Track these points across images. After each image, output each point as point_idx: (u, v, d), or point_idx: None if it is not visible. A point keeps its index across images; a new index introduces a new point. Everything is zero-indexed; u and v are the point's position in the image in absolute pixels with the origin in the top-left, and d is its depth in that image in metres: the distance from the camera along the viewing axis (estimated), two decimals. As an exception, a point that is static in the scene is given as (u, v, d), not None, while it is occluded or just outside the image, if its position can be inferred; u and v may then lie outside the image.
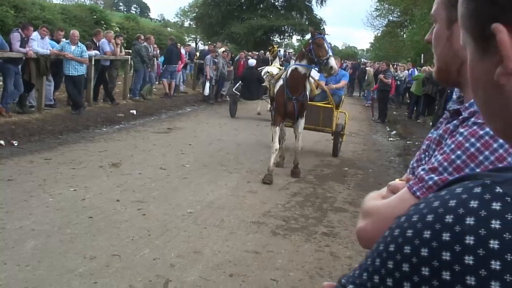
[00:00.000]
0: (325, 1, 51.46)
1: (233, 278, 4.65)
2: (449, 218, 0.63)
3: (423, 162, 1.36)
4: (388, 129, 16.44)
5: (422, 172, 1.24)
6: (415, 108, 18.09)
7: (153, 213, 6.14)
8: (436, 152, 1.27)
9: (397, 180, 1.33)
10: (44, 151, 8.90)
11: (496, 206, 0.61)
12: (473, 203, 0.63)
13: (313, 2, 51.49)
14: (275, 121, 8.39)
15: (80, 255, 4.79)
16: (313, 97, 10.18)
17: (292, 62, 10.17)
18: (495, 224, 0.60)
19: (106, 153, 9.01)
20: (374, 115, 18.57)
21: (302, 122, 8.54)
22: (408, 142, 13.09)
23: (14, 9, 18.89)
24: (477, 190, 0.65)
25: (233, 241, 5.53)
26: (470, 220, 0.61)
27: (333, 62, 7.70)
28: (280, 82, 8.38)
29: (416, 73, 20.47)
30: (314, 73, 9.67)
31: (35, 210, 5.89)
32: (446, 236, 0.62)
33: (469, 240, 0.60)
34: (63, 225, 5.51)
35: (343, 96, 11.57)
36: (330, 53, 7.77)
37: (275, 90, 8.52)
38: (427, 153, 1.36)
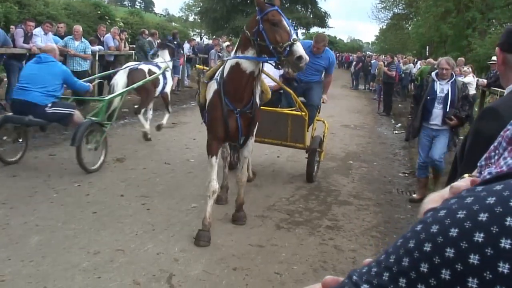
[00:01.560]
0: (329, -6, 51.18)
1: (236, 271, 4.65)
2: (483, 217, 0.54)
3: (492, 161, 1.21)
4: (393, 121, 16.37)
5: (488, 177, 1.13)
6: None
7: (157, 208, 6.14)
8: (506, 153, 1.13)
9: (463, 178, 1.07)
10: (49, 146, 8.91)
11: None
12: None
13: (318, -4, 51.32)
14: (210, 148, 5.36)
15: (84, 250, 4.80)
16: (279, 102, 7.79)
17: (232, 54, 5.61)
18: None
19: (111, 148, 8.98)
20: (380, 108, 18.49)
21: (250, 144, 5.68)
22: (413, 135, 13.01)
23: (18, 5, 18.91)
24: None
25: (237, 235, 5.53)
26: (510, 221, 0.52)
27: (300, 49, 4.66)
28: (214, 85, 5.35)
29: (421, 65, 20.36)
30: (271, 70, 6.45)
31: (40, 205, 5.91)
32: (506, 244, 0.52)
33: (505, 243, 0.51)
34: (67, 221, 5.52)
35: (322, 98, 8.03)
36: (294, 36, 4.80)
37: (208, 97, 5.47)
38: (497, 151, 1.21)
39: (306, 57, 4.68)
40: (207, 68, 6.37)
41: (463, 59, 18.08)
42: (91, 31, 17.57)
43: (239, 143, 5.66)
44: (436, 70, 7.32)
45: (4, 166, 7.27)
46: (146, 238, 5.19)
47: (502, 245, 0.52)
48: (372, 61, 26.87)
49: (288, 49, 4.65)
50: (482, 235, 0.53)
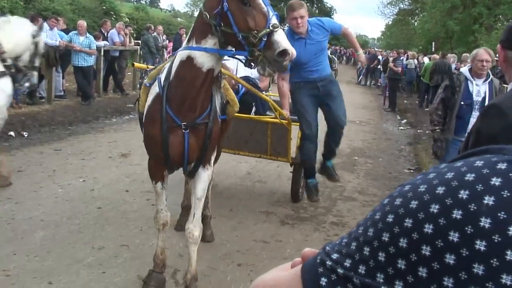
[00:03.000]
0: (335, -10, 51.19)
1: (241, 267, 4.65)
2: (463, 194, 0.56)
3: None
4: (399, 117, 16.34)
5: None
6: (425, 97, 17.95)
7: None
8: None
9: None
10: (54, 142, 8.93)
11: None
12: (495, 181, 0.55)
13: (323, -10, 51.30)
14: (151, 172, 4.14)
15: (88, 246, 4.81)
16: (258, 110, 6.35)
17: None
18: None
19: (116, 143, 9.02)
20: (385, 104, 18.44)
21: (205, 177, 4.02)
22: (418, 131, 13.00)
23: (24, 1, 18.95)
24: (502, 166, 0.57)
25: (241, 230, 5.52)
26: (489, 200, 0.54)
27: (282, 39, 3.22)
28: (156, 89, 3.84)
29: (427, 61, 20.28)
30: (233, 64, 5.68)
31: (45, 201, 5.92)
32: (457, 215, 0.55)
33: (485, 222, 0.53)
34: (72, 216, 5.53)
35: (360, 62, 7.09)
36: (274, 20, 3.27)
37: (146, 105, 3.93)
38: None
39: (292, 51, 3.21)
40: (152, 67, 5.00)
41: (468, 54, 18.00)
42: (96, 27, 17.56)
43: (186, 170, 4.08)
44: (468, 65, 6.07)
45: (9, 162, 7.28)
46: (151, 233, 5.18)
47: (454, 215, 0.54)
48: (378, 57, 26.80)
49: (265, 39, 3.20)
50: (437, 206, 0.56)
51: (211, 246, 5.03)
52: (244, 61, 3.46)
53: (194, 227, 4.00)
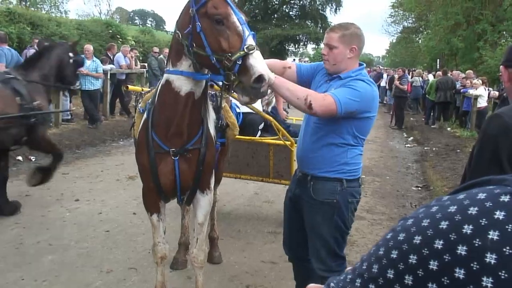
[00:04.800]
0: (339, 9, 51.56)
1: (250, 289, 4.62)
2: (467, 229, 0.54)
3: None
4: (405, 135, 16.32)
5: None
6: (431, 114, 17.94)
7: (169, 225, 6.07)
8: None
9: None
10: (61, 165, 8.93)
11: None
12: (499, 214, 0.54)
13: (327, 11, 51.67)
14: (146, 203, 3.84)
15: (97, 269, 4.80)
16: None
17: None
18: None
19: (123, 166, 9.05)
20: (392, 121, 18.43)
21: (206, 202, 3.79)
22: (425, 148, 12.96)
23: (31, 26, 19.14)
24: (505, 198, 0.56)
25: (249, 251, 5.50)
26: (493, 235, 0.53)
27: (259, 63, 2.82)
28: (145, 114, 3.66)
29: (431, 78, 20.31)
30: None
31: (52, 225, 5.93)
32: (462, 250, 0.53)
33: (490, 258, 0.52)
34: (80, 239, 5.53)
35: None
36: (250, 40, 2.89)
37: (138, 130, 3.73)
38: None
39: (269, 75, 2.85)
40: (147, 89, 4.63)
41: (471, 71, 18.04)
42: (103, 50, 17.72)
43: (180, 200, 3.82)
44: None
45: (17, 186, 7.30)
46: (159, 256, 5.17)
47: (459, 251, 0.53)
48: (383, 75, 26.87)
49: (239, 62, 2.84)
50: (441, 242, 0.55)
51: (219, 268, 5.01)
52: (220, 85, 3.18)
53: (198, 251, 3.86)
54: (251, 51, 2.83)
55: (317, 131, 3.31)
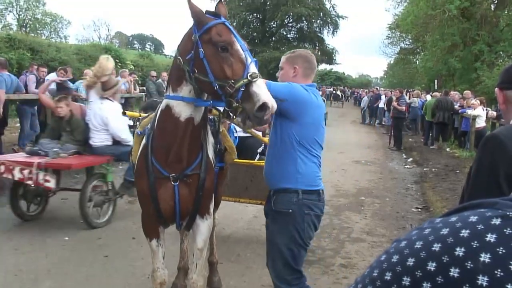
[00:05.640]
0: (336, 31, 51.96)
1: (250, 314, 4.59)
2: (459, 251, 0.55)
3: None
4: (404, 156, 16.33)
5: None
6: (430, 134, 17.98)
7: (169, 249, 6.03)
8: None
9: None
10: (60, 191, 8.93)
11: None
12: (490, 237, 0.55)
13: (325, 33, 52.04)
14: (145, 228, 3.84)
15: (96, 295, 4.78)
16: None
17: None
18: None
19: (122, 190, 9.03)
20: (390, 143, 18.45)
21: (206, 228, 3.77)
22: (425, 169, 12.97)
23: (31, 52, 19.30)
24: (496, 221, 0.57)
25: (249, 275, 5.47)
26: (485, 257, 0.54)
27: (262, 92, 2.86)
28: (144, 139, 3.69)
29: (429, 98, 20.39)
30: None
31: (51, 250, 5.91)
32: (454, 273, 0.54)
33: (482, 281, 0.52)
34: (79, 265, 5.51)
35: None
36: (253, 67, 2.94)
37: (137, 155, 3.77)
38: None
39: (272, 104, 2.85)
40: (145, 115, 4.57)
41: (469, 92, 18.12)
42: (102, 75, 17.84)
43: (179, 226, 3.82)
44: None
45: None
46: (158, 281, 5.15)
47: (451, 274, 0.54)
48: (381, 96, 26.99)
49: (242, 89, 2.87)
50: (434, 264, 0.55)
51: (219, 292, 4.98)
52: (222, 112, 3.18)
53: (198, 277, 3.81)
54: (255, 79, 2.86)
55: (271, 149, 3.54)
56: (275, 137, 3.47)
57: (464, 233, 0.56)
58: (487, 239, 0.55)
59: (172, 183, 3.46)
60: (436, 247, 0.57)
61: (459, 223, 0.58)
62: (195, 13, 3.08)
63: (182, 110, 3.27)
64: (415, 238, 0.61)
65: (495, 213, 0.58)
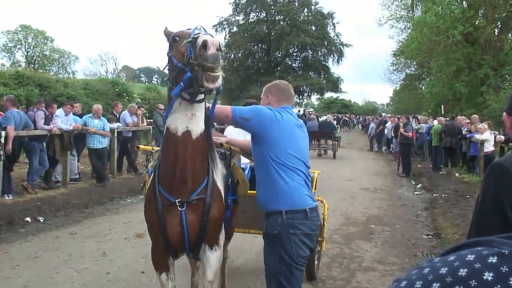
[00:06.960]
0: (341, 60, 52.41)
1: None
2: (435, 287, 0.57)
3: None
4: (413, 182, 16.25)
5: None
6: (437, 160, 17.89)
7: (178, 283, 6.05)
8: None
9: None
10: (69, 225, 8.96)
11: None
12: (487, 275, 0.55)
13: (330, 61, 52.44)
14: (155, 262, 3.77)
15: (105, 331, 4.74)
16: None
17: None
18: None
19: (131, 224, 9.03)
20: (399, 169, 18.37)
21: (213, 259, 3.69)
22: (434, 195, 12.88)
23: (39, 88, 19.52)
24: (493, 260, 0.57)
25: (260, 308, 5.42)
26: None
27: (201, 36, 3.02)
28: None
29: (436, 123, 20.36)
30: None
31: (61, 286, 5.88)
32: None
33: None
34: (88, 301, 5.47)
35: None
36: (196, 31, 3.16)
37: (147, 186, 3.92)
38: None
39: (212, 39, 2.98)
40: (157, 148, 4.55)
41: (477, 116, 18.08)
42: (110, 109, 17.99)
43: (188, 254, 3.78)
44: None
45: (26, 248, 7.30)
46: (168, 315, 5.11)
47: None
48: (387, 123, 26.97)
49: (189, 45, 3.06)
50: None
51: (229, 326, 4.93)
52: (191, 91, 3.22)
53: None
54: (197, 34, 3.06)
55: (257, 174, 3.72)
56: (256, 162, 3.70)
57: (462, 272, 0.57)
58: (485, 277, 0.55)
59: (179, 208, 3.46)
60: (435, 286, 0.57)
61: (457, 262, 0.59)
62: (166, 34, 3.43)
63: (178, 124, 3.35)
64: (414, 278, 0.61)
65: (491, 251, 0.58)
